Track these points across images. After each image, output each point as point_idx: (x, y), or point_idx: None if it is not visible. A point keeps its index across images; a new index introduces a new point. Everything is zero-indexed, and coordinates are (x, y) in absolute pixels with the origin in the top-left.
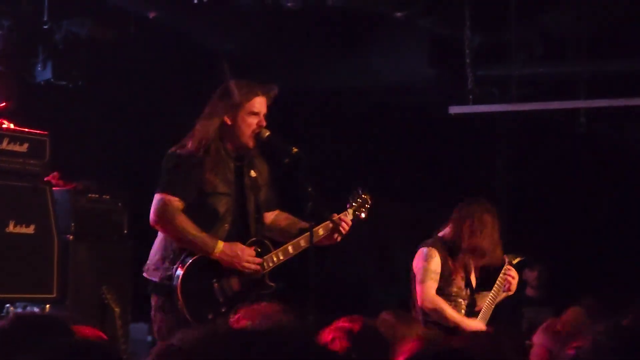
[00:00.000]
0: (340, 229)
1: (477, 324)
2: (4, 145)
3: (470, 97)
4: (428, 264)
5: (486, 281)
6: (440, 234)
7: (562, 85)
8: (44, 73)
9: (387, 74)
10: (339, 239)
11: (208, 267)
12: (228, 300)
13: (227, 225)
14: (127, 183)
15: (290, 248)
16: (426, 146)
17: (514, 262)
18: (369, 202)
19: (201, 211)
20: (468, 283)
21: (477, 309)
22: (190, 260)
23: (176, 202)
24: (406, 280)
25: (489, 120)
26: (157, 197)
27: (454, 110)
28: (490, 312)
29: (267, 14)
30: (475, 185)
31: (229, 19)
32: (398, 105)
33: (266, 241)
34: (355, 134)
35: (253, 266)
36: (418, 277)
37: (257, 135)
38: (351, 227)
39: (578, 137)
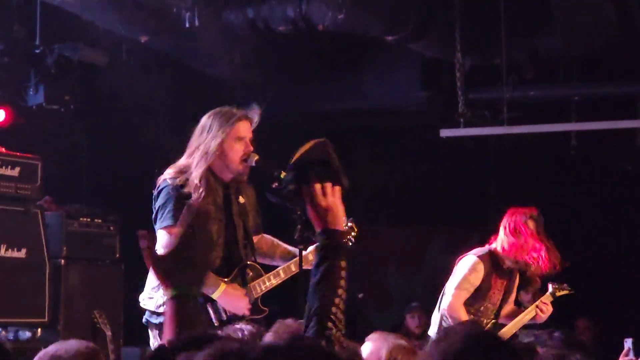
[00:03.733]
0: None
1: None
2: None
3: (462, 120)
4: (469, 274)
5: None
6: (492, 246)
7: (553, 107)
8: (36, 97)
9: (378, 96)
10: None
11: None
12: (222, 324)
13: (219, 251)
14: (118, 207)
15: (281, 272)
16: (418, 169)
17: (558, 294)
18: (355, 230)
19: (196, 237)
20: (504, 300)
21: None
22: None
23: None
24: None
25: (480, 143)
26: (161, 232)
27: (445, 133)
28: (511, 334)
29: (258, 38)
30: (466, 208)
31: (220, 43)
32: (389, 128)
33: (257, 265)
34: (347, 157)
35: (246, 310)
36: (455, 281)
37: (245, 161)
38: None
39: (569, 160)
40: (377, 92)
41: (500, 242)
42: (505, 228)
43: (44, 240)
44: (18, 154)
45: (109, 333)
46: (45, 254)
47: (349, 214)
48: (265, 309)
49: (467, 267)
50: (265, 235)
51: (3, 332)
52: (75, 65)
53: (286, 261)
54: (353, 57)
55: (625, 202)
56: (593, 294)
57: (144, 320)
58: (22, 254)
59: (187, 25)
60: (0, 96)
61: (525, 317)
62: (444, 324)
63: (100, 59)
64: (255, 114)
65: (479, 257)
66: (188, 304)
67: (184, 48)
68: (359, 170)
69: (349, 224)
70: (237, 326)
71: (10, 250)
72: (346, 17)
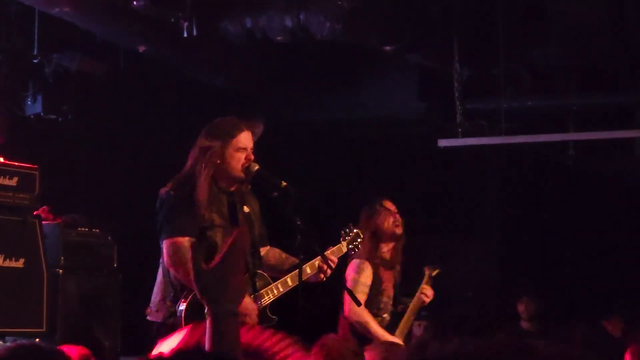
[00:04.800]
0: (327, 268)
1: (395, 340)
2: None
3: (459, 130)
4: (359, 276)
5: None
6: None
7: (551, 118)
8: (34, 107)
9: (376, 107)
10: (324, 278)
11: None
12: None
13: None
14: (116, 217)
15: (289, 280)
16: (415, 179)
17: (434, 274)
18: (361, 236)
19: (201, 246)
20: (396, 293)
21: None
22: (192, 295)
23: (187, 242)
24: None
25: (478, 153)
26: (167, 242)
27: (443, 143)
28: (408, 327)
29: (256, 48)
30: (464, 218)
31: (218, 52)
32: (387, 139)
33: (264, 274)
34: (345, 166)
35: (252, 323)
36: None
37: (246, 170)
38: (342, 261)
39: (567, 170)
40: (375, 103)
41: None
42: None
43: (41, 250)
44: (16, 163)
45: (106, 343)
46: (43, 263)
47: (351, 222)
48: (274, 317)
49: (354, 270)
50: (272, 247)
51: (1, 342)
52: (74, 75)
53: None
54: (351, 68)
55: (623, 212)
56: (590, 303)
57: (153, 334)
58: (20, 263)
59: (185, 35)
60: None
61: (415, 305)
62: (352, 329)
63: (99, 68)
64: (257, 125)
65: (361, 259)
66: (227, 321)
67: (182, 58)
68: (355, 179)
69: (355, 231)
70: None
71: (8, 260)
72: (344, 27)
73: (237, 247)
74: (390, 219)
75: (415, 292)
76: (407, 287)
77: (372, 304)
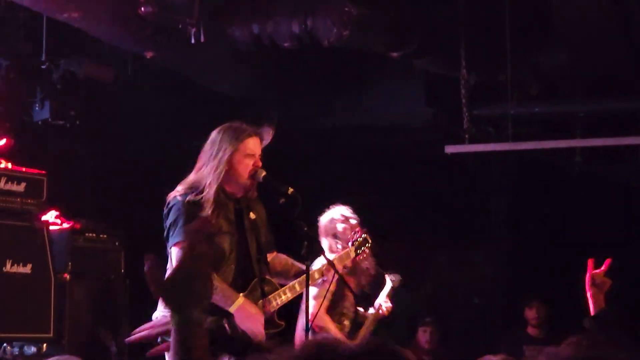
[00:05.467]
0: (329, 275)
1: None
2: (2, 184)
3: (466, 136)
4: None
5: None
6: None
7: (558, 124)
8: (42, 113)
9: (383, 113)
10: (327, 284)
11: (218, 307)
12: (239, 338)
13: (233, 266)
14: (124, 222)
15: (297, 285)
16: (422, 185)
17: (396, 284)
18: (369, 241)
19: (208, 252)
20: (355, 300)
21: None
22: None
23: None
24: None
25: (485, 159)
26: (176, 249)
27: (450, 149)
28: (369, 332)
29: (264, 54)
30: (471, 224)
31: (226, 59)
32: (394, 145)
33: (272, 279)
34: (351, 173)
35: (259, 335)
36: (311, 292)
37: (253, 176)
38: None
39: (574, 176)
40: (382, 109)
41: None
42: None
43: (49, 256)
44: (23, 169)
45: (113, 348)
46: (51, 269)
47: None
48: (282, 323)
49: None
50: (279, 254)
51: (8, 347)
52: (81, 81)
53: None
54: (358, 74)
55: (630, 219)
56: None
57: (159, 339)
58: (28, 269)
59: (193, 41)
60: (5, 111)
61: (376, 315)
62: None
63: (106, 74)
64: (265, 132)
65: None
66: (191, 329)
67: (190, 64)
68: (362, 186)
69: (363, 235)
70: None
71: (15, 265)
72: (351, 33)
73: (195, 251)
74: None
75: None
76: (412, 296)
77: (335, 310)
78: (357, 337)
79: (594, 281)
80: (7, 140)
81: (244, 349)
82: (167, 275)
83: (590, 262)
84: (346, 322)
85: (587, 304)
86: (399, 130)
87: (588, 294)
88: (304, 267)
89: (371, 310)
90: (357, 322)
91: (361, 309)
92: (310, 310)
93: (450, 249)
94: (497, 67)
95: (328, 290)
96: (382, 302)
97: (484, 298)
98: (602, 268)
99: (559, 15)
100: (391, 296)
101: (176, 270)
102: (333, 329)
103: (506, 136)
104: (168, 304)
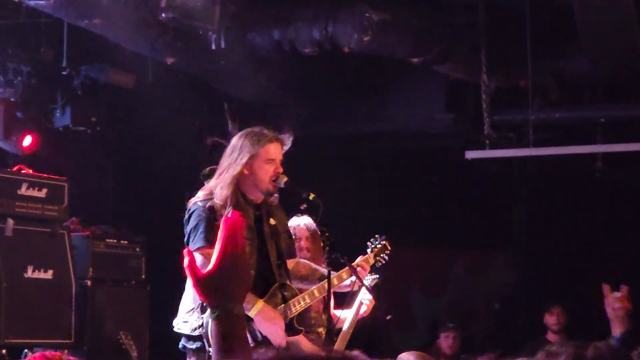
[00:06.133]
0: (360, 275)
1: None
2: (23, 190)
3: (487, 142)
4: None
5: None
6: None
7: (579, 129)
8: (63, 119)
9: (404, 119)
10: (356, 286)
11: None
12: (258, 344)
13: (252, 271)
14: (144, 228)
15: (315, 291)
16: (443, 191)
17: (372, 284)
18: (389, 248)
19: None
20: (326, 307)
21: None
22: None
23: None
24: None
25: (506, 164)
26: (197, 253)
27: (471, 155)
28: (350, 335)
29: (284, 60)
30: (491, 229)
31: (246, 64)
32: (415, 150)
33: (291, 285)
34: (372, 179)
35: (279, 339)
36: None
37: (274, 182)
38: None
39: (595, 181)
40: (402, 114)
41: None
42: None
43: (70, 262)
44: (45, 175)
45: (134, 354)
46: (72, 275)
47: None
48: (301, 328)
49: None
50: (301, 260)
51: (30, 353)
52: (102, 87)
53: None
54: (378, 80)
55: None
56: None
57: (180, 346)
58: (49, 275)
59: (214, 47)
60: (27, 118)
61: (355, 316)
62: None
63: (127, 80)
64: (287, 137)
65: None
66: (231, 323)
67: (210, 70)
68: (383, 191)
69: (382, 242)
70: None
71: (37, 271)
72: (372, 39)
73: (234, 243)
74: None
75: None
76: (432, 302)
77: (302, 320)
78: (337, 341)
79: (612, 306)
80: (32, 139)
81: None
82: (206, 271)
83: (605, 288)
84: (320, 330)
85: (609, 323)
86: (419, 136)
87: (609, 316)
88: (326, 272)
89: (348, 313)
90: (333, 327)
91: (338, 311)
92: None
93: (471, 254)
94: (518, 73)
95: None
96: (361, 300)
97: (505, 304)
98: (620, 294)
99: (580, 21)
100: (375, 295)
101: (215, 265)
102: (302, 341)
103: (527, 142)
104: (207, 297)
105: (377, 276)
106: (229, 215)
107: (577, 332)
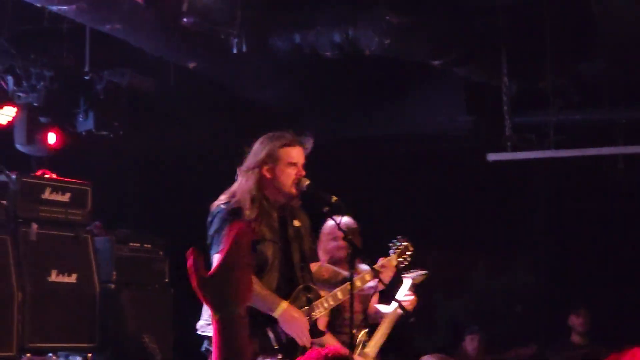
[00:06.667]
0: (382, 277)
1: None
2: (47, 194)
3: (508, 144)
4: None
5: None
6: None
7: (600, 131)
8: (86, 123)
9: (425, 121)
10: (379, 287)
11: (261, 314)
12: (282, 347)
13: (276, 273)
14: (168, 232)
15: (339, 294)
16: (464, 193)
17: (418, 281)
18: (410, 249)
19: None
20: (364, 308)
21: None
22: None
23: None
24: (445, 326)
25: (527, 166)
26: (218, 257)
27: (492, 157)
28: (382, 341)
29: (305, 64)
30: (513, 231)
31: (267, 68)
32: (436, 153)
33: (315, 287)
34: (393, 181)
35: (304, 339)
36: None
37: (296, 185)
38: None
39: (616, 183)
40: (423, 117)
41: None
42: None
43: (94, 265)
44: (68, 179)
45: (158, 357)
46: (96, 278)
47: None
48: (324, 331)
49: None
50: (325, 264)
51: (54, 357)
52: (124, 91)
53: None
54: (399, 83)
55: None
56: None
57: (203, 348)
58: (73, 279)
59: (235, 51)
60: (50, 122)
61: (393, 315)
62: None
63: (149, 85)
64: (307, 140)
65: None
66: (233, 325)
67: (232, 74)
68: (404, 194)
69: (404, 244)
70: None
71: (61, 275)
72: (392, 42)
73: (237, 250)
74: (332, 243)
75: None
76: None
77: (334, 323)
78: (370, 342)
79: None
80: (57, 137)
81: (292, 354)
82: (209, 273)
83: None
84: (354, 332)
85: (630, 312)
86: (440, 138)
87: None
88: (348, 274)
89: (387, 310)
90: (368, 325)
91: (381, 307)
92: None
93: (493, 257)
94: (539, 75)
95: None
96: (401, 299)
97: (527, 306)
98: None
99: (600, 23)
100: (418, 293)
101: (217, 267)
102: (329, 340)
103: (548, 144)
104: (208, 299)
105: (425, 272)
106: (238, 226)
107: (600, 334)
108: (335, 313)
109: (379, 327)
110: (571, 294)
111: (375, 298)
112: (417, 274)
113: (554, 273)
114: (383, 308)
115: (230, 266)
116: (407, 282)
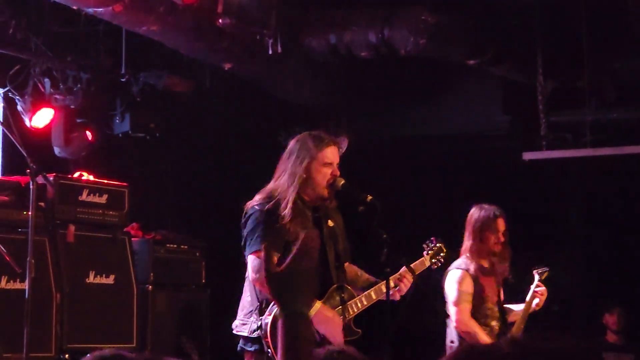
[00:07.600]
0: (402, 285)
1: None
2: (84, 196)
3: (544, 143)
4: (460, 286)
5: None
6: (465, 253)
7: (636, 129)
8: (122, 125)
9: (460, 121)
10: (397, 295)
11: None
12: (317, 346)
13: None
14: (204, 233)
15: (372, 293)
16: (500, 192)
17: (543, 276)
18: (444, 250)
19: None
20: (499, 300)
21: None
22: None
23: (274, 257)
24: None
25: (563, 165)
26: (252, 257)
27: (528, 156)
28: (521, 330)
29: (341, 64)
30: (549, 230)
31: (303, 69)
32: (472, 153)
33: (349, 287)
34: (429, 181)
35: (338, 338)
36: (451, 299)
37: (331, 185)
38: (423, 274)
39: None
40: (459, 117)
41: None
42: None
43: (131, 267)
44: (105, 181)
45: (196, 358)
46: (133, 279)
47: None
48: (358, 330)
49: (454, 280)
50: (350, 264)
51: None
52: (160, 93)
53: (366, 291)
54: (434, 82)
55: None
56: None
57: (238, 348)
58: (111, 280)
59: (270, 52)
60: (87, 124)
61: (528, 308)
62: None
63: (185, 86)
64: (342, 140)
65: (458, 267)
66: (301, 323)
67: (267, 75)
68: (440, 194)
69: (438, 245)
70: None
71: (99, 276)
72: (428, 42)
73: (306, 250)
74: (493, 238)
75: (524, 298)
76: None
77: (478, 312)
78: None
79: None
80: (91, 134)
81: None
82: (277, 269)
83: None
84: (493, 323)
85: None
86: (476, 138)
87: None
88: (373, 279)
89: (520, 306)
90: (506, 320)
91: (511, 306)
92: (453, 317)
93: (528, 255)
94: (575, 74)
95: (467, 293)
96: (534, 292)
97: (563, 305)
98: None
99: (636, 20)
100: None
101: (286, 265)
102: (480, 333)
103: (584, 142)
104: (275, 295)
105: (547, 268)
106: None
107: (636, 333)
108: (477, 305)
109: (514, 324)
110: (607, 293)
111: None
112: (543, 270)
113: (590, 272)
114: (514, 307)
115: (299, 267)
116: (537, 277)
